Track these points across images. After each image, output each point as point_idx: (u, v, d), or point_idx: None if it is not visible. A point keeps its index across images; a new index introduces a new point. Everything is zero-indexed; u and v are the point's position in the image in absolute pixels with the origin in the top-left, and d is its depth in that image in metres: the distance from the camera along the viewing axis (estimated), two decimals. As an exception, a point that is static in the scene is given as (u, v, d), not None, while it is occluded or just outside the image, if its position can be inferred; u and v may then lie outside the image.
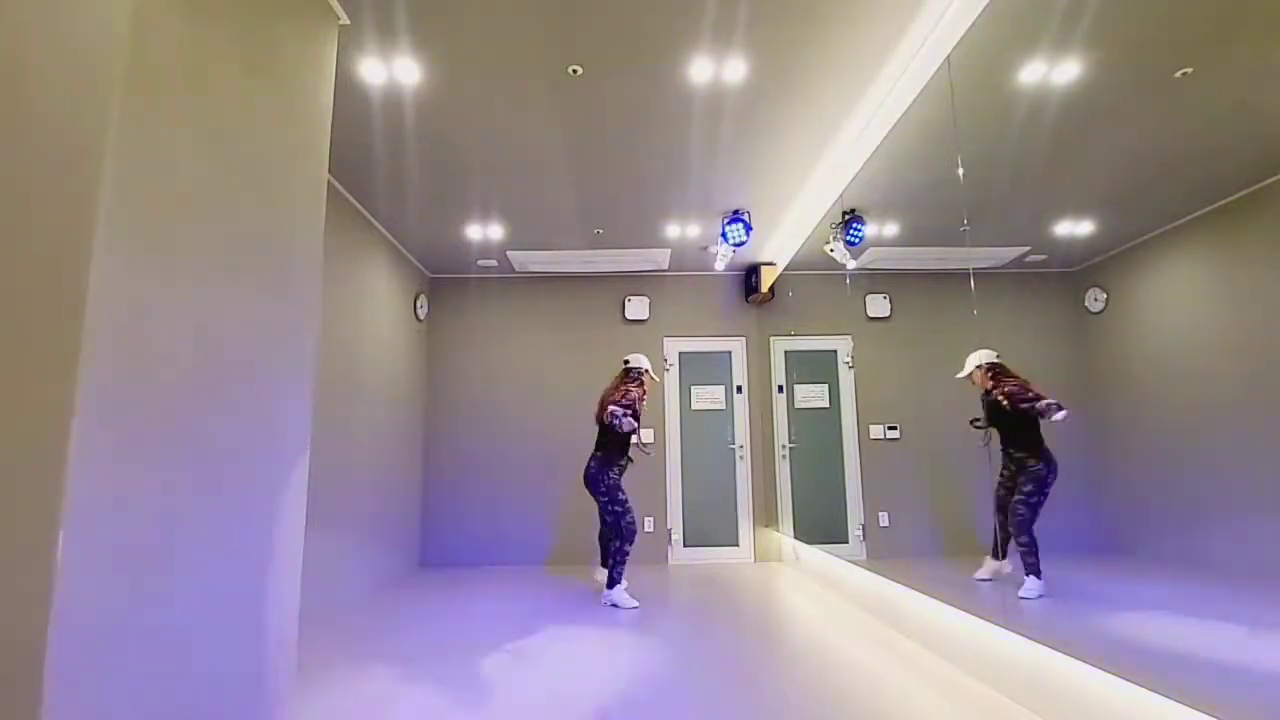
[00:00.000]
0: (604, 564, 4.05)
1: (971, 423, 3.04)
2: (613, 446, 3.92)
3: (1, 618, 1.15)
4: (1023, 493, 2.70)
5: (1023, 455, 2.71)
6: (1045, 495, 2.65)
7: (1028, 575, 2.62)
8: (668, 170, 3.88)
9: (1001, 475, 2.80)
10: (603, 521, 4.09)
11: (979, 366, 2.90)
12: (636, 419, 3.93)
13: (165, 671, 1.42)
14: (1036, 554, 2.63)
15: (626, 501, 3.90)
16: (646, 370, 4.12)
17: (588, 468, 3.96)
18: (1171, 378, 2.20)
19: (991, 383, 2.88)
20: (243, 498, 1.71)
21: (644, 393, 4.05)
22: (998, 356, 2.86)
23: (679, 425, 5.74)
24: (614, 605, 3.78)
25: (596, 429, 4.06)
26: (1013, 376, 2.78)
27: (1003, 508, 2.80)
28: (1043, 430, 2.67)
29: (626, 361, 4.18)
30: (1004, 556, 2.72)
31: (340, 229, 4.07)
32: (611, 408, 3.85)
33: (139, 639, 1.35)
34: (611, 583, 3.84)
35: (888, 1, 2.49)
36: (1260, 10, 1.69)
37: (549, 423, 5.70)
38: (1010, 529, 2.72)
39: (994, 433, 2.94)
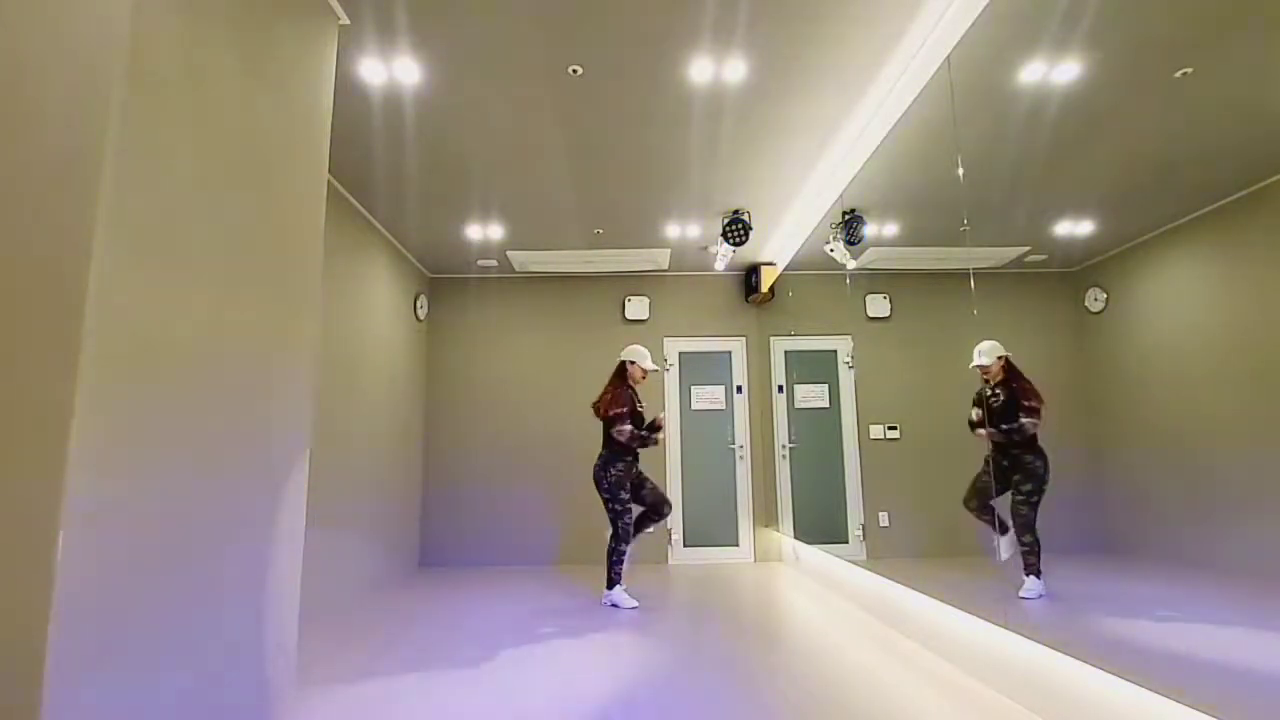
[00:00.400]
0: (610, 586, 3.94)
1: (975, 427, 3.00)
2: (615, 445, 3.91)
3: (1, 618, 1.15)
4: (1022, 492, 2.68)
5: (1018, 451, 2.70)
6: (1043, 492, 2.64)
7: (1027, 575, 2.61)
8: (668, 170, 3.89)
9: (987, 464, 2.77)
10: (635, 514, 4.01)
11: (1000, 357, 2.86)
12: (631, 420, 3.89)
13: (165, 672, 1.42)
14: (1039, 554, 2.61)
15: (627, 501, 3.89)
16: (632, 362, 4.04)
17: (595, 465, 3.96)
18: (1171, 377, 2.19)
19: (1004, 375, 2.86)
20: (242, 497, 1.71)
21: (629, 384, 3.99)
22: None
23: (679, 425, 5.74)
24: (614, 605, 3.78)
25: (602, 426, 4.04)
26: (1023, 375, 2.78)
27: (978, 494, 2.76)
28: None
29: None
30: (1005, 531, 2.68)
31: (340, 229, 4.07)
32: (620, 428, 3.85)
33: (139, 639, 1.35)
34: (610, 583, 3.84)
35: (888, 1, 2.49)
36: (1260, 10, 1.69)
37: (549, 423, 5.70)
38: (1014, 530, 2.70)
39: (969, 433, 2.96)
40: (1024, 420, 2.66)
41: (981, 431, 2.89)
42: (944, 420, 3.21)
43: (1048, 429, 2.66)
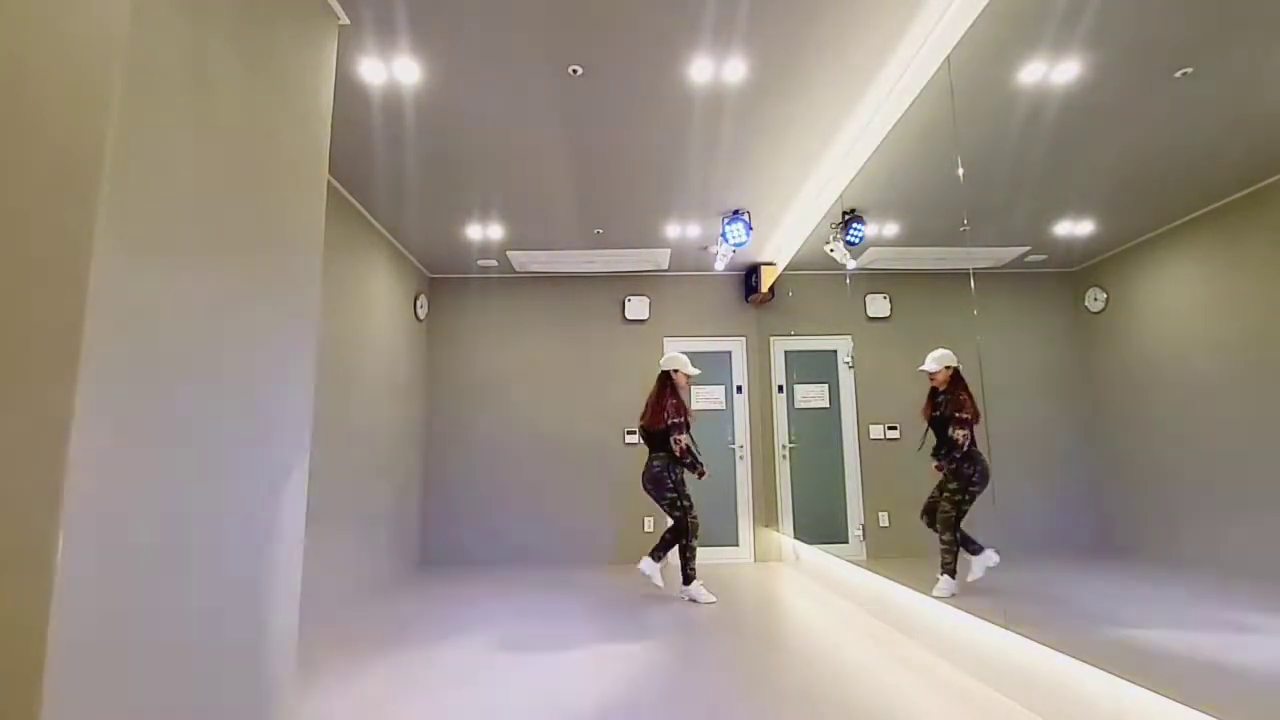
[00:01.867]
0: (655, 557, 4.08)
1: (936, 464, 3.14)
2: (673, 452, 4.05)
3: (2, 618, 1.15)
4: (948, 490, 2.78)
5: (952, 460, 2.82)
6: (970, 495, 2.73)
7: (942, 574, 2.72)
8: (668, 170, 3.89)
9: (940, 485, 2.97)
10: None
11: (948, 366, 2.97)
12: (688, 427, 4.04)
13: (165, 672, 1.42)
14: (956, 555, 2.74)
15: (691, 496, 4.04)
16: (676, 370, 4.16)
17: (650, 470, 4.06)
18: (1171, 377, 2.19)
19: (948, 384, 2.97)
20: (243, 497, 1.71)
21: (678, 392, 4.12)
22: (956, 361, 3.00)
23: (679, 425, 5.74)
24: (692, 600, 3.92)
25: (642, 437, 4.21)
26: (966, 387, 2.86)
27: (930, 510, 2.95)
28: (974, 433, 2.76)
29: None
30: (978, 552, 2.77)
31: (340, 229, 4.07)
32: (677, 438, 3.96)
33: (139, 639, 1.35)
34: (687, 579, 3.98)
35: (888, 1, 2.49)
36: (1260, 10, 1.69)
37: (549, 423, 5.70)
38: (937, 527, 2.82)
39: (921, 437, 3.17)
40: (956, 433, 2.74)
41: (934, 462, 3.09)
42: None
43: (1048, 427, 2.66)
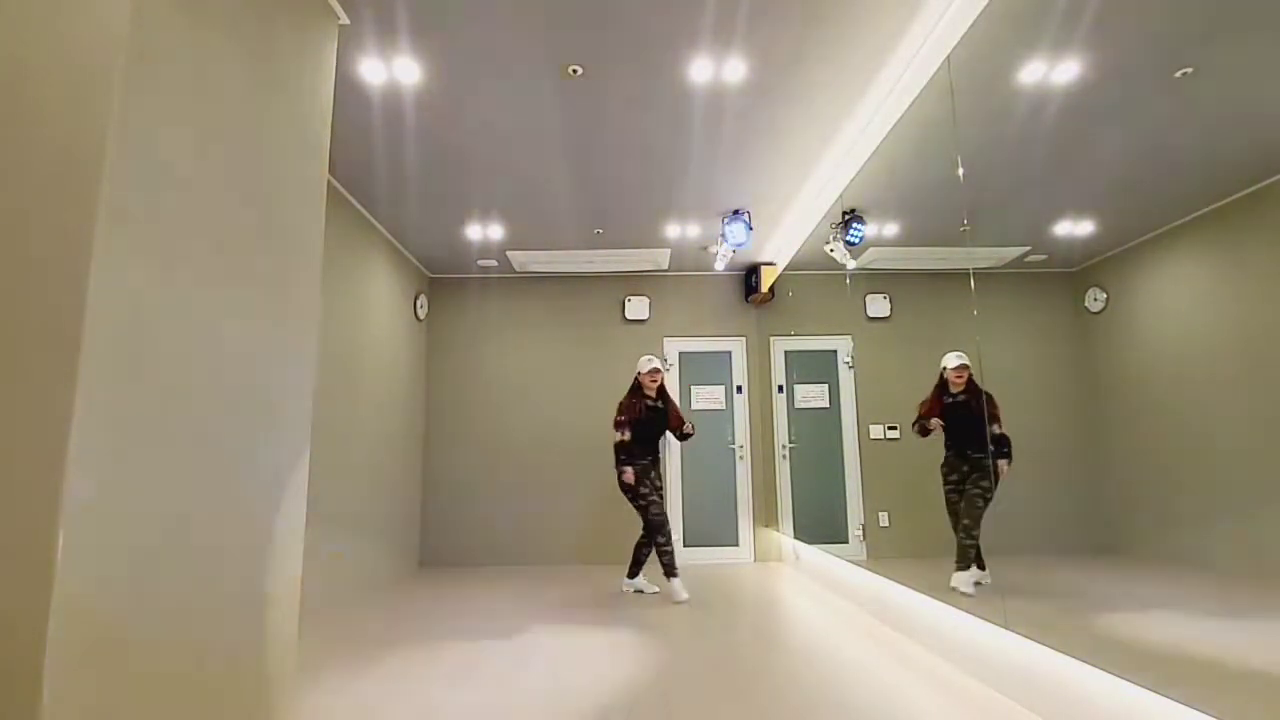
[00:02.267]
0: (630, 575, 4.26)
1: (945, 475, 3.16)
2: (633, 448, 4.12)
3: (1, 616, 1.15)
4: (980, 487, 2.80)
5: (980, 455, 2.83)
6: (994, 490, 2.75)
7: (958, 568, 2.76)
8: (668, 170, 3.89)
9: (950, 481, 2.98)
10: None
11: (966, 365, 3.00)
12: (636, 426, 4.12)
13: (165, 671, 1.42)
14: (977, 548, 2.77)
15: (649, 495, 4.08)
16: (638, 373, 4.26)
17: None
18: (1171, 377, 2.19)
19: (967, 383, 2.99)
20: (242, 497, 1.71)
21: (638, 396, 4.21)
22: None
23: (679, 425, 5.74)
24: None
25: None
26: (978, 386, 2.89)
27: (957, 512, 2.95)
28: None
29: None
30: (984, 568, 2.80)
31: (340, 229, 4.07)
32: (613, 432, 4.18)
33: (138, 639, 1.35)
34: (669, 574, 4.02)
35: (888, 1, 2.49)
36: (1260, 10, 1.69)
37: (548, 422, 5.70)
38: (965, 521, 2.82)
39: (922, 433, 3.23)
40: (1004, 430, 2.76)
41: (934, 423, 3.14)
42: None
43: (1047, 427, 2.66)
